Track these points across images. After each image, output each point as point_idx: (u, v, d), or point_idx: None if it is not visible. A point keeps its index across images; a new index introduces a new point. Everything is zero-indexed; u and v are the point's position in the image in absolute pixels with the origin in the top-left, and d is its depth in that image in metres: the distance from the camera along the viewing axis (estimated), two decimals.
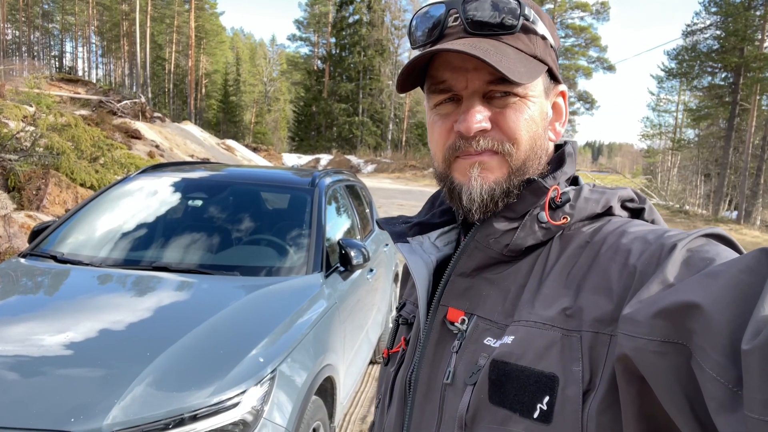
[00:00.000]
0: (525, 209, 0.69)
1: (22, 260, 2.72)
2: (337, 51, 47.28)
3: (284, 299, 2.45)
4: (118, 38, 52.55)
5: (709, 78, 29.86)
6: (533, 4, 0.71)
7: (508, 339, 0.62)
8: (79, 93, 21.13)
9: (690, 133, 38.16)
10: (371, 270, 3.63)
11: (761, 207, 26.96)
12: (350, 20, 45.70)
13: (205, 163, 4.50)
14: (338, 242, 3.02)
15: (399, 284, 0.96)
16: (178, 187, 3.27)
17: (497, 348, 0.63)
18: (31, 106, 8.78)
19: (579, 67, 36.82)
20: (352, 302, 3.06)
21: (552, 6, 36.16)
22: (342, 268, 2.98)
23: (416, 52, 0.72)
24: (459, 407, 0.64)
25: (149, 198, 3.20)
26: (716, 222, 19.21)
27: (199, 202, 3.16)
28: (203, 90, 55.39)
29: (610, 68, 37.15)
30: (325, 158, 36.46)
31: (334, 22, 47.85)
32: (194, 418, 1.72)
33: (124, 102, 16.71)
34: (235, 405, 1.81)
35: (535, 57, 0.69)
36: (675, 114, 41.23)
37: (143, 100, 17.29)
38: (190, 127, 18.82)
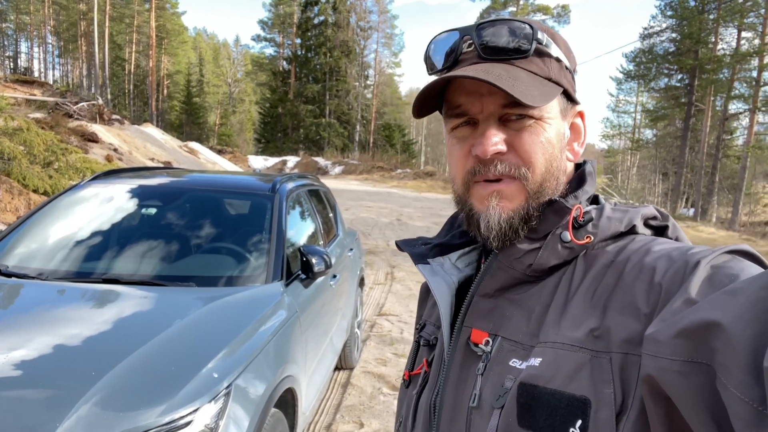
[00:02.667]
0: (547, 230, 0.70)
1: None
2: (303, 52, 46.98)
3: (242, 310, 2.38)
4: (75, 38, 51.03)
5: (666, 80, 30.84)
6: (547, 28, 0.72)
7: (536, 361, 0.62)
8: (35, 95, 20.36)
9: (648, 133, 39.31)
10: (335, 276, 3.58)
11: (716, 204, 27.95)
12: (315, 21, 45.49)
13: (162, 168, 4.37)
14: (299, 249, 2.96)
15: (418, 303, 0.97)
16: (132, 193, 3.16)
17: (524, 370, 0.62)
18: None
19: None
20: (314, 310, 3.00)
21: (514, 9, 36.73)
22: (303, 276, 2.92)
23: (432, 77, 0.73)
24: (486, 431, 0.64)
25: (102, 206, 3.08)
26: (676, 219, 19.78)
27: (153, 210, 3.05)
28: (165, 91, 54.25)
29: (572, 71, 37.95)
30: (292, 160, 36.16)
31: (299, 23, 47.53)
32: None
33: (81, 104, 16.19)
34: (188, 423, 1.73)
35: (549, 79, 0.70)
36: (634, 115, 42.43)
37: (101, 101, 16.72)
38: (150, 129, 18.33)
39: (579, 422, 0.56)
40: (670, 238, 0.71)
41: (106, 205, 3.09)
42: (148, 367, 1.85)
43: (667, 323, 0.51)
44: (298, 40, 47.68)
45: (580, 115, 0.78)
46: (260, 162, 34.68)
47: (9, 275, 2.53)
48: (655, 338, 0.51)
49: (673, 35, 28.75)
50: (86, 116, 15.44)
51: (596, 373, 0.57)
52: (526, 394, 0.61)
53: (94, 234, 2.86)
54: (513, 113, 0.68)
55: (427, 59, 0.76)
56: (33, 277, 2.50)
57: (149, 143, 15.97)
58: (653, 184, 35.70)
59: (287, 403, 2.47)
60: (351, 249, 4.54)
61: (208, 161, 17.81)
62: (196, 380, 1.83)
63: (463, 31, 0.71)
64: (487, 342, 0.70)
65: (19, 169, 6.70)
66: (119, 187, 3.23)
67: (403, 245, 0.87)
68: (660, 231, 0.72)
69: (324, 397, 3.86)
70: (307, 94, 44.71)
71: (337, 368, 4.27)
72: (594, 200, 0.76)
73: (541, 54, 0.70)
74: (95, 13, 41.29)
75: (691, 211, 27.83)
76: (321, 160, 36.46)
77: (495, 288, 0.72)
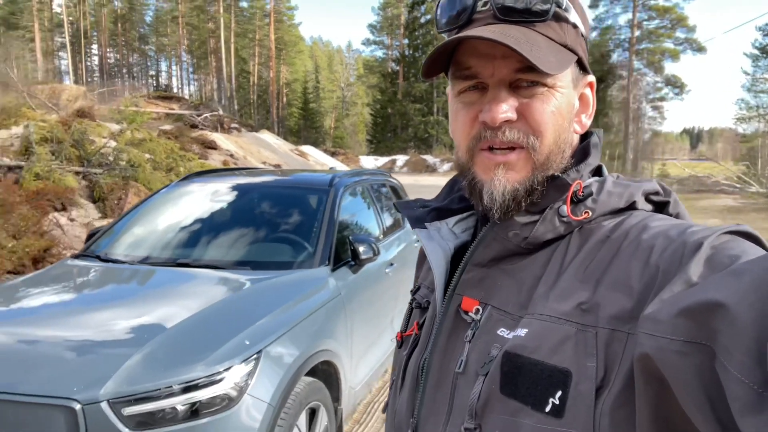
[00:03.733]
0: (547, 204, 0.68)
1: (74, 261, 3.16)
2: (411, 52, 47.60)
3: (286, 289, 2.68)
4: (206, 55, 55.93)
5: None
6: None
7: (522, 332, 0.62)
8: (173, 108, 22.90)
9: None
10: (391, 264, 3.80)
11: None
12: (422, 20, 45.82)
13: (244, 169, 4.87)
14: (347, 238, 3.22)
15: (416, 266, 0.97)
16: (210, 191, 3.62)
17: (510, 339, 0.63)
18: (119, 123, 9.73)
19: (665, 50, 34.63)
20: (363, 293, 3.24)
21: None
22: (352, 263, 3.17)
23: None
24: (470, 396, 0.64)
25: (182, 203, 3.58)
26: None
27: (224, 205, 3.48)
28: (284, 99, 57.68)
29: (700, 49, 34.62)
30: (401, 159, 36.81)
31: (406, 24, 48.23)
32: (181, 391, 1.97)
33: (205, 115, 17.98)
34: (221, 380, 2.05)
35: (565, 46, 0.67)
36: None
37: (221, 112, 18.54)
38: (265, 135, 19.90)
39: (559, 393, 0.57)
40: (671, 214, 0.69)
41: (186, 202, 3.58)
42: (191, 332, 2.21)
43: (667, 303, 0.50)
44: (406, 41, 48.43)
45: (590, 85, 0.75)
46: (371, 162, 35.70)
47: (106, 260, 3.07)
48: (654, 317, 0.50)
49: None
50: (209, 126, 17.16)
51: (580, 347, 0.57)
52: (510, 363, 0.61)
53: (171, 226, 3.35)
54: (525, 79, 0.65)
55: (439, 16, 0.71)
56: (122, 262, 3.01)
57: (263, 148, 17.38)
58: None
59: (329, 374, 2.74)
60: (418, 240, 4.73)
61: (317, 163, 18.90)
62: (230, 344, 2.15)
63: None
64: (477, 310, 0.70)
65: (144, 174, 7.72)
66: (201, 186, 3.71)
67: (401, 207, 0.86)
68: (661, 207, 0.70)
69: (387, 379, 4.09)
70: (415, 93, 45.27)
71: None
72: (597, 171, 0.74)
73: (559, 18, 0.67)
74: (221, 30, 45.06)
75: None
76: (429, 158, 36.74)
77: (488, 258, 0.72)
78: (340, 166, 24.29)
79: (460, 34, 0.64)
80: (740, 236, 0.57)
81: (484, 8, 0.66)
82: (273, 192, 3.66)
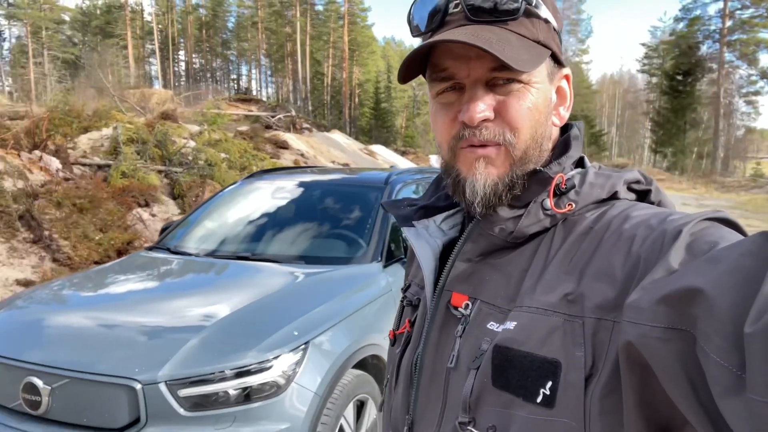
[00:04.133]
0: (530, 198, 0.70)
1: (147, 252, 3.41)
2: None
3: (337, 283, 2.76)
4: (283, 58, 57.75)
5: None
6: None
7: (511, 324, 0.63)
8: (251, 110, 23.92)
9: None
10: None
11: None
12: None
13: (306, 167, 5.02)
14: (400, 235, 3.26)
15: (406, 264, 0.98)
16: (270, 189, 3.78)
17: (500, 333, 0.64)
18: (200, 125, 10.30)
19: (760, 40, 32.11)
20: None
21: None
22: (405, 259, 3.21)
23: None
24: (463, 390, 0.66)
25: (246, 200, 3.76)
26: None
27: (283, 202, 3.62)
28: (356, 99, 58.56)
29: None
30: None
31: None
32: (234, 376, 2.09)
33: (278, 116, 18.64)
34: (270, 367, 2.15)
35: (538, 42, 0.68)
36: None
37: (294, 113, 19.17)
38: (335, 135, 20.35)
39: (549, 383, 0.58)
40: (652, 202, 0.70)
41: (250, 199, 3.76)
42: (246, 320, 2.33)
43: (648, 291, 0.51)
44: None
45: (566, 78, 0.76)
46: (437, 161, 35.49)
47: (175, 252, 3.29)
48: (636, 306, 0.51)
49: None
50: (282, 126, 17.78)
51: (568, 337, 0.58)
52: (501, 356, 0.62)
53: (234, 222, 3.53)
54: (501, 77, 0.66)
55: (411, 21, 0.73)
56: (190, 254, 3.21)
57: (332, 148, 17.78)
58: None
59: (379, 369, 2.79)
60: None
61: (385, 161, 19.10)
62: (280, 334, 2.24)
63: None
64: (467, 305, 0.71)
65: (220, 173, 8.13)
66: (264, 184, 3.87)
67: (388, 206, 0.87)
68: (643, 195, 0.71)
69: None
70: None
71: None
72: (579, 163, 0.75)
73: (530, 15, 0.68)
74: (298, 34, 46.41)
75: None
76: None
77: (476, 253, 0.73)
78: (407, 165, 24.39)
79: (433, 39, 0.66)
80: (719, 222, 0.58)
81: (455, 10, 0.68)
82: (331, 189, 3.76)
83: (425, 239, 0.78)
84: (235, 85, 64.31)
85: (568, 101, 0.77)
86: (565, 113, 0.76)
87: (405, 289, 0.90)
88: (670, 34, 42.44)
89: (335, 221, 3.42)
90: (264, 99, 46.73)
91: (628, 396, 0.53)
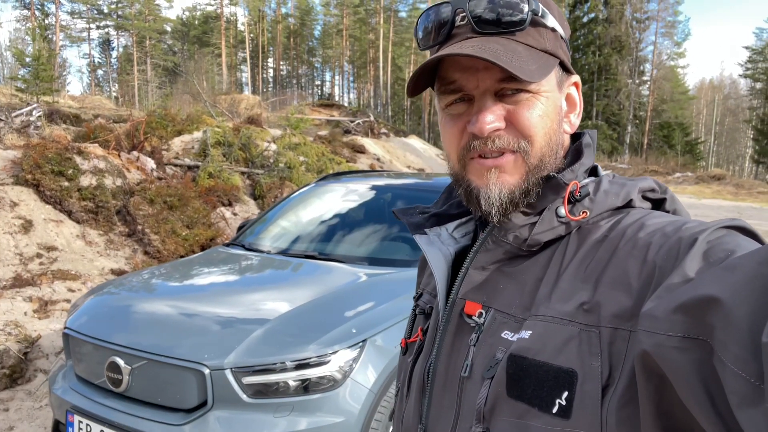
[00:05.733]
0: (544, 205, 0.69)
1: (225, 248, 3.63)
2: (570, 52, 45.34)
3: (397, 285, 2.82)
4: (365, 64, 58.86)
5: None
6: None
7: (526, 334, 0.62)
8: (333, 115, 24.64)
9: None
10: None
11: None
12: (584, 20, 43.50)
13: (375, 171, 5.12)
14: None
15: (417, 272, 0.98)
16: (339, 192, 3.91)
17: (515, 342, 0.63)
18: (282, 129, 10.75)
19: None
20: None
21: None
22: None
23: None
24: (477, 400, 0.65)
25: (316, 202, 3.91)
26: None
27: (351, 204, 3.73)
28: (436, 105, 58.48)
29: None
30: None
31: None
32: (294, 368, 2.19)
33: (357, 121, 19.06)
34: (327, 362, 2.23)
35: (545, 51, 0.68)
36: None
37: (372, 118, 19.53)
38: (412, 140, 20.52)
39: (565, 393, 0.57)
40: (668, 211, 0.70)
41: (320, 201, 3.90)
42: (309, 315, 2.44)
43: (664, 300, 0.50)
44: None
45: (576, 85, 0.76)
46: None
47: (250, 249, 3.48)
48: (652, 314, 0.50)
49: None
50: (361, 131, 18.16)
51: (584, 346, 0.58)
52: (516, 366, 0.61)
53: (304, 222, 3.69)
54: (509, 88, 0.66)
55: (418, 34, 0.74)
56: (263, 251, 3.39)
57: (408, 152, 17.93)
58: None
59: None
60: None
61: None
62: (339, 330, 2.33)
63: (456, 4, 0.69)
64: (480, 314, 0.70)
65: (298, 175, 8.45)
66: (334, 187, 4.01)
67: (400, 214, 0.87)
68: (658, 203, 0.71)
69: None
70: None
71: None
72: (593, 171, 0.75)
73: (537, 24, 0.68)
74: (381, 40, 47.15)
75: None
76: None
77: (489, 261, 0.72)
78: None
79: (441, 52, 0.66)
80: (735, 231, 0.57)
81: (462, 23, 0.68)
82: (399, 193, 3.83)
83: (437, 247, 0.78)
84: (319, 91, 66.25)
85: (578, 108, 0.77)
86: (576, 120, 0.76)
87: (417, 298, 0.89)
88: None
89: (401, 225, 3.49)
90: (345, 104, 47.79)
91: (645, 406, 0.52)
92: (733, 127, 53.94)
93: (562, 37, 0.72)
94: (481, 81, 0.67)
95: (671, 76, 46.12)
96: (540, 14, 0.68)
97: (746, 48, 46.06)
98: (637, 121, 42.49)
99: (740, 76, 49.69)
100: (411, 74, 0.73)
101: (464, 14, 0.68)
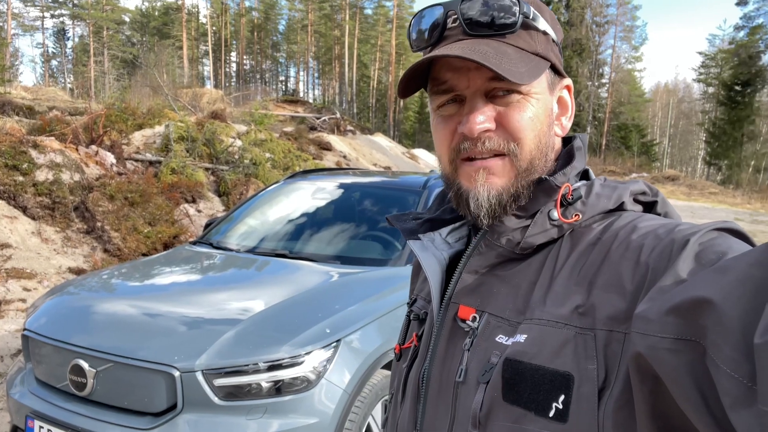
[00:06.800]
0: (536, 208, 0.70)
1: (191, 246, 3.54)
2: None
3: (370, 284, 2.81)
4: (330, 61, 58.49)
5: None
6: (534, 0, 0.70)
7: (521, 337, 0.63)
8: (298, 112, 24.41)
9: None
10: None
11: None
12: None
13: (344, 169, 5.09)
14: None
15: (410, 278, 0.98)
16: (308, 190, 3.87)
17: (510, 346, 0.63)
18: (246, 125, 10.58)
19: None
20: None
21: None
22: None
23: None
24: (472, 405, 0.65)
25: (286, 199, 3.85)
26: None
27: (322, 202, 3.70)
28: (401, 103, 58.67)
29: None
30: None
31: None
32: (266, 369, 2.16)
33: (323, 118, 18.95)
34: (301, 363, 2.21)
35: (536, 54, 0.69)
36: None
37: (338, 115, 19.46)
38: (378, 138, 20.53)
39: (562, 397, 0.57)
40: (659, 214, 0.70)
41: (290, 199, 3.85)
42: (281, 316, 2.40)
43: (656, 301, 0.51)
44: None
45: (567, 88, 0.77)
46: None
47: (217, 247, 3.40)
48: (644, 316, 0.50)
49: None
50: (327, 128, 18.06)
51: (580, 350, 0.58)
52: (511, 370, 0.61)
53: (273, 220, 3.63)
54: (500, 88, 0.67)
55: (411, 36, 0.74)
56: (231, 249, 3.32)
57: (375, 150, 17.93)
58: None
59: None
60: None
61: (427, 166, 19.10)
62: (312, 331, 2.30)
63: (448, 6, 0.70)
64: (474, 318, 0.70)
65: (264, 172, 8.33)
66: (301, 185, 3.97)
67: (393, 220, 0.87)
68: (649, 206, 0.71)
69: None
70: None
71: None
72: (584, 175, 0.75)
73: (528, 27, 0.69)
74: (346, 37, 46.95)
75: None
76: None
77: (483, 265, 0.73)
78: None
79: (432, 53, 0.67)
80: (727, 233, 0.58)
81: (454, 25, 0.69)
82: (369, 192, 3.82)
83: (431, 252, 0.78)
84: (283, 87, 65.48)
85: (570, 111, 0.77)
86: (567, 123, 0.77)
87: (411, 304, 0.89)
88: (730, 43, 41.01)
89: (372, 223, 3.47)
90: (310, 101, 47.43)
91: (641, 408, 0.52)
92: (686, 129, 55.94)
93: (554, 41, 0.73)
94: (472, 80, 0.68)
95: (629, 80, 47.47)
96: (531, 17, 0.68)
97: (699, 53, 47.78)
98: (596, 123, 43.61)
99: (694, 80, 51.54)
100: (401, 76, 0.71)
101: (456, 16, 0.68)
